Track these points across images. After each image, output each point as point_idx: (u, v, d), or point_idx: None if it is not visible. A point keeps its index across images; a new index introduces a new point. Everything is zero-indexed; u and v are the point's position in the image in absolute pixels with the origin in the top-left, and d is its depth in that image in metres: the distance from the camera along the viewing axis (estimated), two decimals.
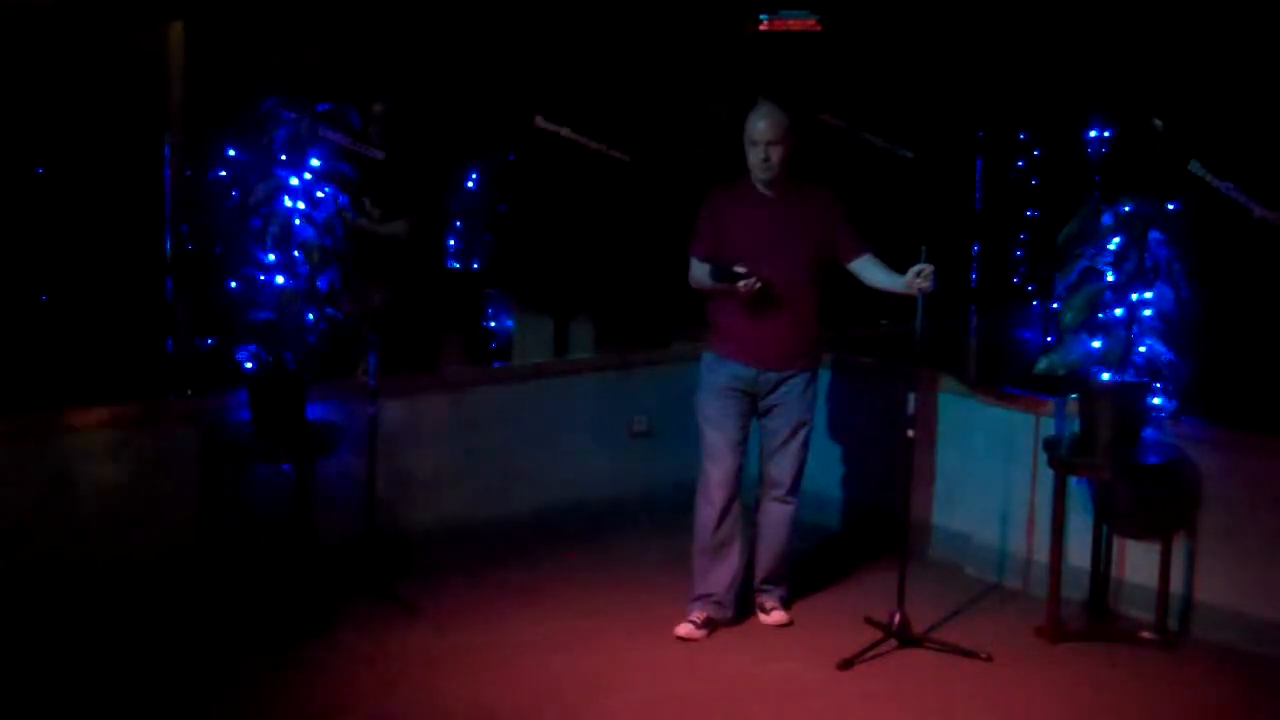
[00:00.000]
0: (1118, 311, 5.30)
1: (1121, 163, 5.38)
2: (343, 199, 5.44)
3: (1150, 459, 5.34)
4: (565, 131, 6.63)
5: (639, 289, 7.22)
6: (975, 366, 6.52)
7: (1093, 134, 5.46)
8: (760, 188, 5.27)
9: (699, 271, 5.33)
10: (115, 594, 5.36)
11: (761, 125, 5.20)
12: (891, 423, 5.69)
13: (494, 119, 6.93)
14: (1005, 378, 6.19)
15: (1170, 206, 5.30)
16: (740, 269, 5.13)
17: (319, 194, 5.39)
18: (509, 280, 7.38)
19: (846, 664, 5.09)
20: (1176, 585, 5.44)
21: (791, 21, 6.77)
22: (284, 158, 5.32)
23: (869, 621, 5.39)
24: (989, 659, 5.16)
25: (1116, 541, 5.69)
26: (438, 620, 5.44)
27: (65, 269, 5.85)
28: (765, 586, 5.57)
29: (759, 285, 5.13)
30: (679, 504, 5.80)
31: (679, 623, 5.37)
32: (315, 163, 5.37)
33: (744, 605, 5.54)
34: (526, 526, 6.52)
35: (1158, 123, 5.27)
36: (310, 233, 5.35)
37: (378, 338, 5.70)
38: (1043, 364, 5.43)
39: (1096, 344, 5.31)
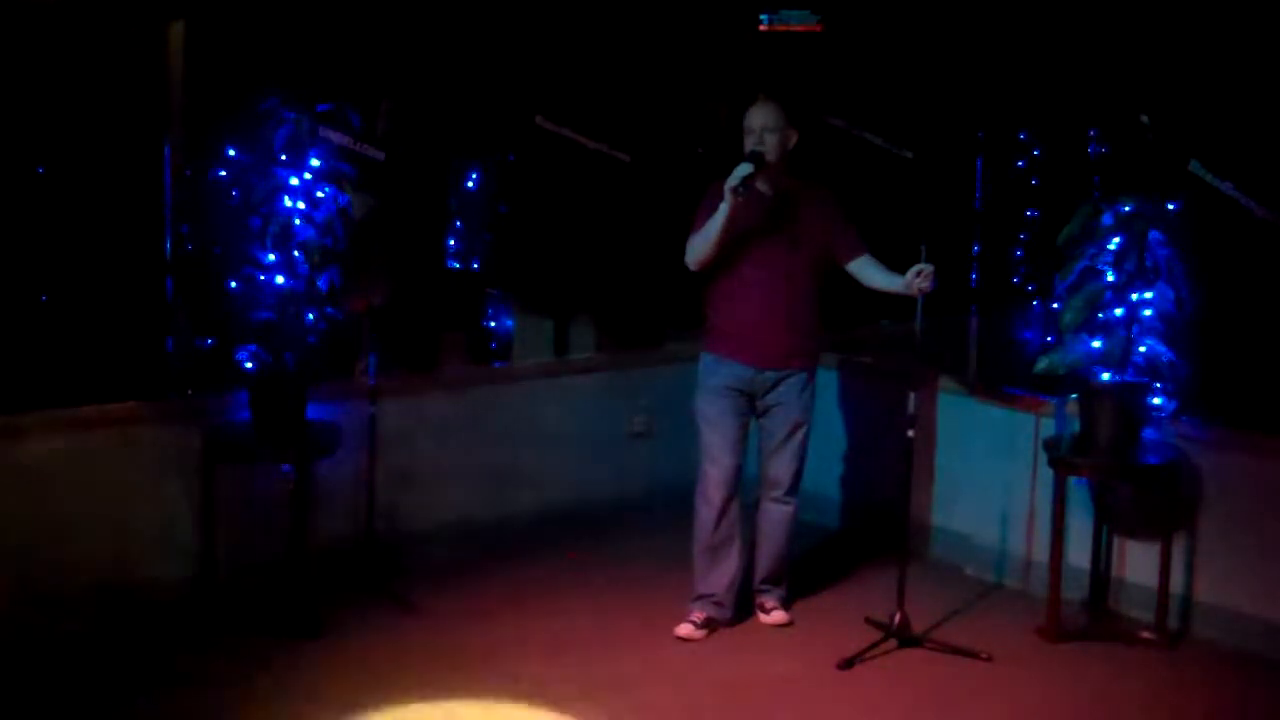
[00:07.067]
0: (1118, 311, 5.31)
1: (1121, 163, 5.38)
2: (343, 199, 5.44)
3: (1150, 459, 5.34)
4: (566, 131, 6.63)
5: (639, 289, 7.21)
6: (975, 366, 6.52)
7: (1093, 134, 5.47)
8: (759, 185, 5.26)
9: (699, 235, 5.23)
10: (115, 594, 5.36)
11: (756, 112, 5.24)
12: (891, 423, 5.70)
13: (494, 119, 6.92)
14: (1005, 378, 6.19)
15: (1170, 206, 5.31)
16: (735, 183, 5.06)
17: (319, 194, 5.39)
18: (509, 280, 7.36)
19: (846, 664, 5.09)
20: (1176, 585, 5.44)
21: (793, 23, 6.76)
22: (284, 158, 5.33)
23: (869, 621, 5.39)
24: (989, 659, 5.16)
25: (1116, 541, 5.69)
26: (438, 620, 5.44)
27: (65, 269, 5.84)
28: (765, 586, 5.57)
29: (751, 170, 5.07)
30: (678, 504, 5.80)
31: (679, 623, 5.37)
32: (315, 163, 5.38)
33: (744, 605, 5.54)
34: (526, 526, 6.52)
35: (1144, 119, 5.27)
36: (310, 233, 5.35)
37: (378, 338, 5.70)
38: (1043, 364, 5.43)
39: (1096, 344, 5.31)
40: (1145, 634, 5.41)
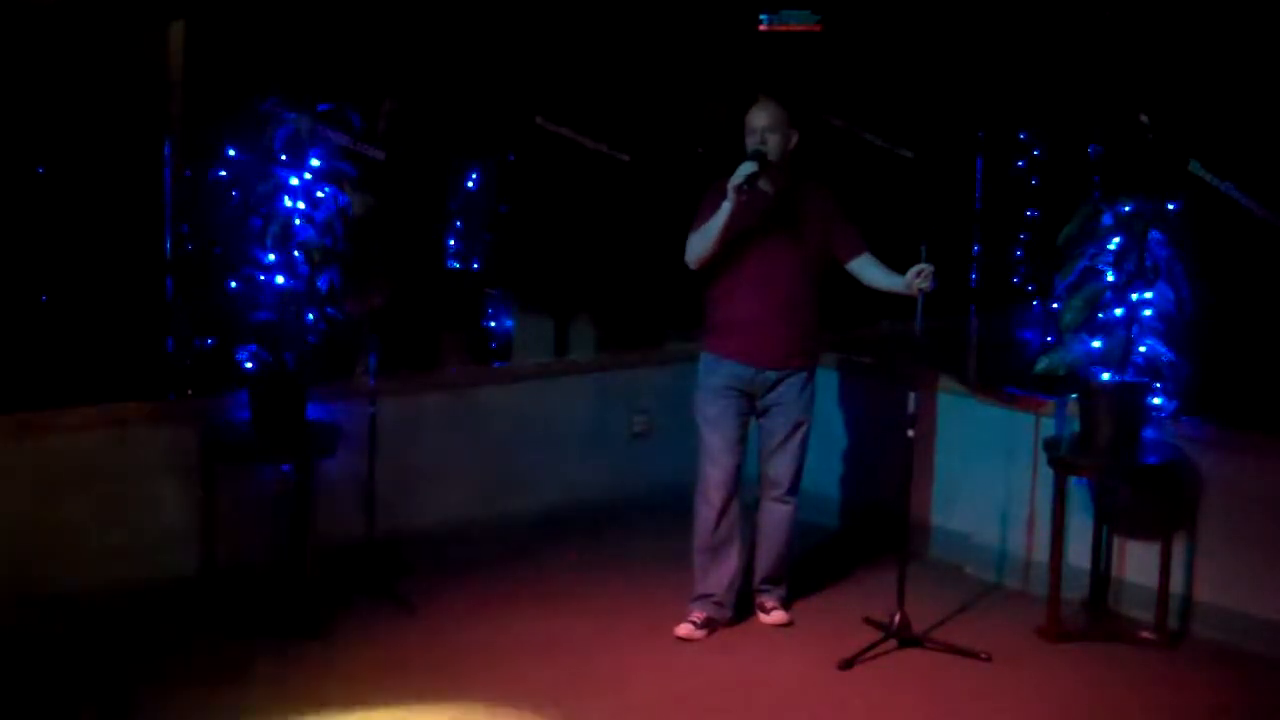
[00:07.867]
0: (1118, 311, 5.31)
1: (1121, 163, 5.37)
2: (343, 199, 5.44)
3: (1150, 459, 5.34)
4: (566, 131, 6.63)
5: (639, 289, 7.21)
6: (975, 366, 6.52)
7: (1093, 134, 5.47)
8: (761, 184, 5.26)
9: (700, 234, 5.23)
10: (115, 594, 5.36)
11: (758, 112, 5.24)
12: (891, 423, 5.69)
13: (494, 119, 6.92)
14: (1005, 378, 6.19)
15: (1170, 206, 5.31)
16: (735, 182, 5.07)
17: (319, 194, 5.39)
18: (509, 280, 7.37)
19: (846, 664, 5.09)
20: (1176, 585, 5.44)
21: (793, 23, 6.76)
22: (284, 158, 5.33)
23: (869, 621, 5.39)
24: (989, 659, 5.16)
25: (1116, 541, 5.69)
26: (438, 620, 5.44)
27: (65, 269, 5.84)
28: (765, 586, 5.57)
29: (754, 169, 5.08)
30: (678, 504, 5.80)
31: (679, 623, 5.37)
32: (315, 163, 5.38)
33: (744, 605, 5.54)
34: (526, 526, 6.52)
35: (1144, 118, 5.27)
36: (310, 233, 5.35)
37: (378, 338, 5.70)
38: (1043, 364, 5.43)
39: (1096, 344, 5.31)
40: (1145, 634, 5.41)
